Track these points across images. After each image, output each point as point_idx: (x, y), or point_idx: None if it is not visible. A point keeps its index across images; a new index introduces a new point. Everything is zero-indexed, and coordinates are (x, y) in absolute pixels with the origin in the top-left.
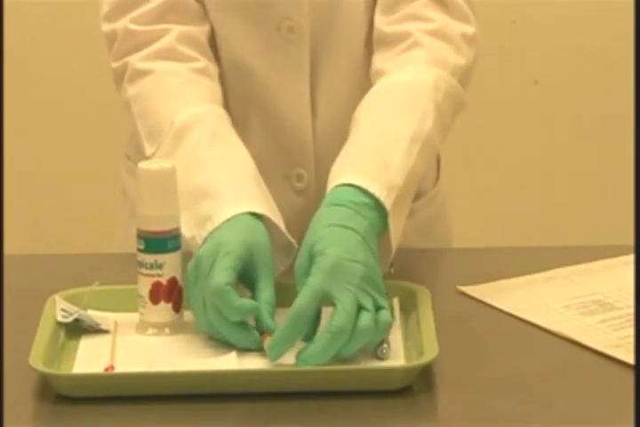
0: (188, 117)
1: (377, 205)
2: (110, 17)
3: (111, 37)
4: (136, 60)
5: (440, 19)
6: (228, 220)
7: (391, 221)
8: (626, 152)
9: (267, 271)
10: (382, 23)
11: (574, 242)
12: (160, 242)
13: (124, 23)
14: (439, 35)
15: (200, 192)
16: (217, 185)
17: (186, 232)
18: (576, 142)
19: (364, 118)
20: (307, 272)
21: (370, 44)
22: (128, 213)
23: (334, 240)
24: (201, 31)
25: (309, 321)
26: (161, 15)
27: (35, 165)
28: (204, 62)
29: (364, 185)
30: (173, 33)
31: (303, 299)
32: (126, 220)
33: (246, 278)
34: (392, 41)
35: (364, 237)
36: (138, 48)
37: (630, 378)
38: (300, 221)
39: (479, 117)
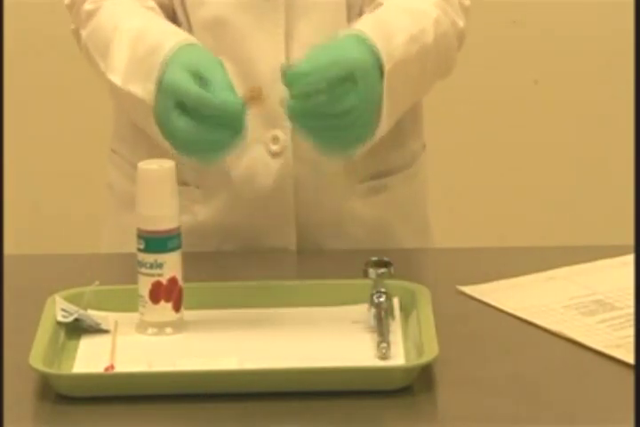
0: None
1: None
2: None
3: (70, 5)
4: (84, 4)
5: None
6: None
7: (386, 84)
8: (625, 152)
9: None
10: None
11: (574, 242)
12: (160, 242)
13: None
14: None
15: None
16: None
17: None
18: (575, 142)
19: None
20: None
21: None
22: (115, 206)
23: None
24: None
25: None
26: None
27: (27, 161)
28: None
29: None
30: None
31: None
32: (114, 214)
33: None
34: None
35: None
36: None
37: (630, 378)
38: (279, 186)
39: (478, 117)
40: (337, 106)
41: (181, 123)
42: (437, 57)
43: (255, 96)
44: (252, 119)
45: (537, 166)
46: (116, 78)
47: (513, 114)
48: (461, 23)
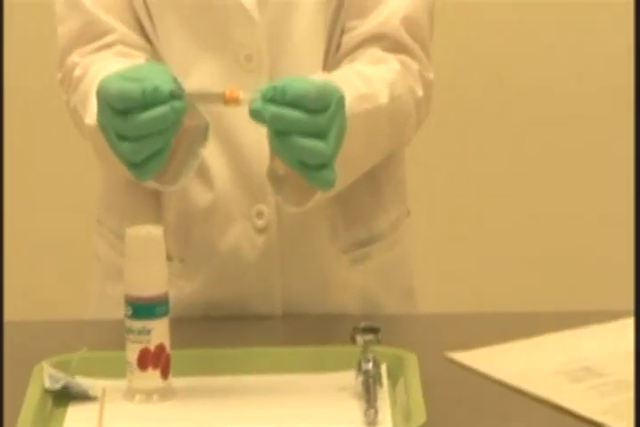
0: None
1: None
2: (61, 62)
3: (62, 79)
4: (75, 71)
5: (400, 60)
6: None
7: None
8: (614, 218)
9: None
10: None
11: (562, 307)
12: (148, 308)
13: (71, 58)
14: (403, 66)
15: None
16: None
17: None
18: (561, 209)
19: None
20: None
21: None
22: (101, 277)
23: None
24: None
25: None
26: (108, 50)
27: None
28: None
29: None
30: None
31: None
32: (99, 284)
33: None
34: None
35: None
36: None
37: None
38: (264, 260)
39: (462, 181)
40: (312, 120)
41: (123, 148)
42: (392, 120)
43: (234, 98)
44: (236, 194)
45: (523, 233)
46: (90, 120)
47: (495, 180)
48: (420, 92)
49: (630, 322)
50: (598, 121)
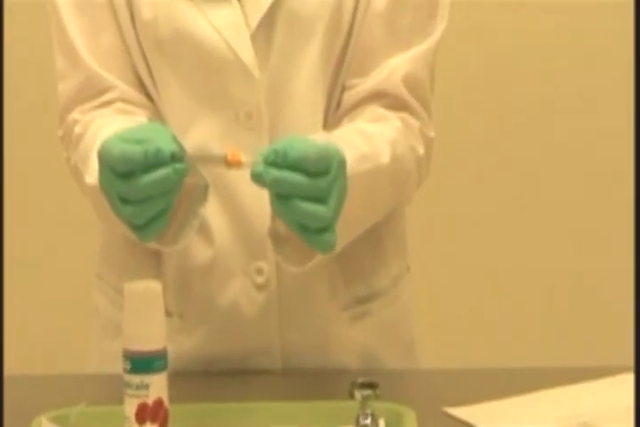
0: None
1: None
2: (61, 119)
3: (62, 136)
4: (75, 128)
5: (401, 118)
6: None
7: None
8: (616, 276)
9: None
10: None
11: (560, 363)
12: (146, 362)
13: (71, 116)
14: (404, 124)
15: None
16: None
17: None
18: (561, 268)
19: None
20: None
21: (325, 129)
22: (100, 331)
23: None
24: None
25: None
26: (108, 107)
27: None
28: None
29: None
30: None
31: None
32: (98, 338)
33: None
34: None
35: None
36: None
37: None
38: (263, 317)
39: (462, 236)
40: (313, 184)
41: (126, 210)
42: (394, 179)
43: (235, 161)
44: (236, 251)
45: (522, 289)
46: (90, 179)
47: (494, 235)
48: (421, 150)
49: (629, 377)
50: (600, 170)
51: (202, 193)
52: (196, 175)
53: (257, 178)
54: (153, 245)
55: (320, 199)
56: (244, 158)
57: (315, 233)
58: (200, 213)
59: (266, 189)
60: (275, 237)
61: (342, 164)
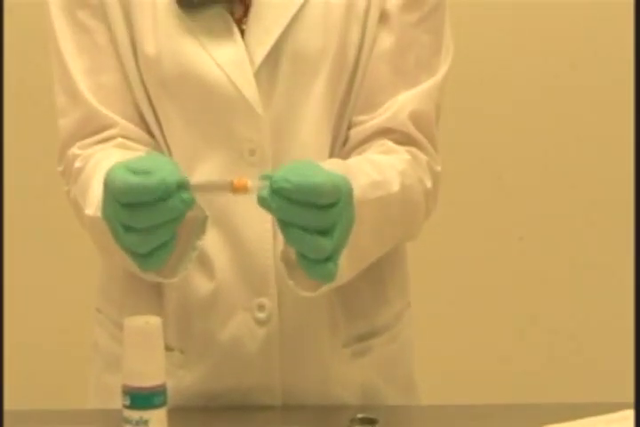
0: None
1: None
2: (61, 155)
3: (62, 171)
4: (75, 163)
5: (410, 151)
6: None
7: None
8: (615, 312)
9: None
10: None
11: (560, 399)
12: (145, 398)
13: (71, 151)
14: (412, 157)
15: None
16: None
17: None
18: (560, 299)
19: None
20: None
21: None
22: (100, 366)
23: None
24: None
25: None
26: (108, 143)
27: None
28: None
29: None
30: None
31: None
32: (98, 373)
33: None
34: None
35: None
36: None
37: None
38: (264, 352)
39: (464, 271)
40: (318, 216)
41: (130, 239)
42: (403, 209)
43: (242, 185)
44: (237, 286)
45: (522, 325)
46: (90, 210)
47: (497, 273)
48: (429, 184)
49: (629, 414)
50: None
51: (200, 225)
52: (195, 207)
53: (263, 202)
54: (151, 277)
55: (324, 231)
56: (250, 183)
57: (314, 263)
58: (198, 246)
59: (271, 214)
60: (286, 261)
61: (350, 194)
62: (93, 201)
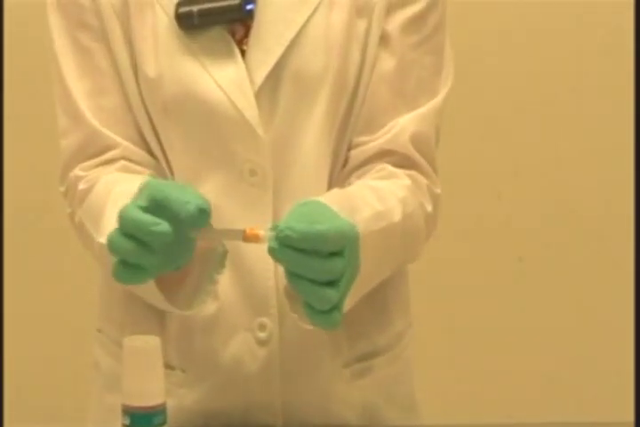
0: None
1: None
2: (63, 176)
3: (65, 192)
4: (79, 184)
5: (410, 175)
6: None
7: None
8: (615, 333)
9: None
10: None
11: (562, 418)
12: (145, 418)
13: (74, 172)
14: (413, 182)
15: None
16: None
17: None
18: (562, 320)
19: (334, 190)
20: None
21: (331, 186)
22: (100, 386)
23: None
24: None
25: None
26: (111, 165)
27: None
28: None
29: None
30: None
31: None
32: (99, 393)
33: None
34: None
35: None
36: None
37: None
38: (265, 372)
39: (464, 291)
40: (324, 267)
41: (126, 246)
42: (404, 237)
43: (254, 235)
44: (239, 306)
45: (523, 344)
46: (103, 239)
47: (496, 293)
48: (429, 208)
49: None
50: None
51: (219, 259)
52: (214, 241)
53: (272, 253)
54: (165, 306)
55: (331, 283)
56: (262, 234)
57: (320, 312)
58: (216, 280)
59: (280, 265)
60: (290, 296)
61: (356, 242)
62: (106, 230)
